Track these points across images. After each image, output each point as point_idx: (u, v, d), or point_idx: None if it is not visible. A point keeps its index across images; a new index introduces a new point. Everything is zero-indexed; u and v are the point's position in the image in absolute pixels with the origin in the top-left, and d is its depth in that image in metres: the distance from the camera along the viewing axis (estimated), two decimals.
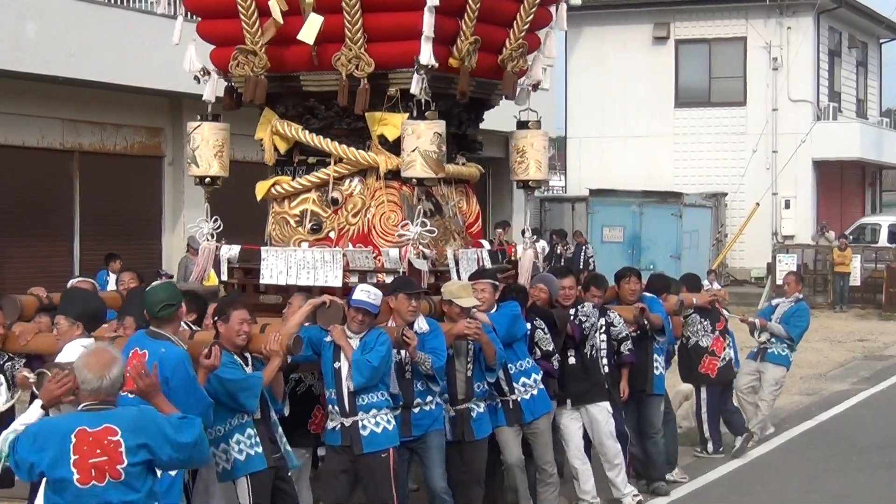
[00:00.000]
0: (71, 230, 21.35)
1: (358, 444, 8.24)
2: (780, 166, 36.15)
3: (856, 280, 31.75)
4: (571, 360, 10.33)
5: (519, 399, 9.58)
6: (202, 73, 10.05)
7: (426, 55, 9.05)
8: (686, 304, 12.17)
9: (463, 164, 10.39)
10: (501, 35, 10.05)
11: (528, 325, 9.80)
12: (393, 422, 8.36)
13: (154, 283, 7.84)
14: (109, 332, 7.95)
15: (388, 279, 9.13)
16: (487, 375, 9.23)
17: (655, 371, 11.28)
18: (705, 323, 12.40)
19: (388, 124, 9.44)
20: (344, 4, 9.12)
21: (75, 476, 5.71)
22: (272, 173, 10.06)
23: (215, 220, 9.94)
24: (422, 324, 8.68)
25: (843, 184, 41.21)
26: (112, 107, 21.63)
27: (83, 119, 21.36)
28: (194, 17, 10.94)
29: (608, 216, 32.43)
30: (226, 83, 10.07)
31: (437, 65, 9.20)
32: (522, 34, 10.19)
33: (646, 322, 11.02)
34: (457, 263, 9.70)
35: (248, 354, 7.97)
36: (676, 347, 12.43)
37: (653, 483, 11.24)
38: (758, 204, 34.27)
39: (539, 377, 9.69)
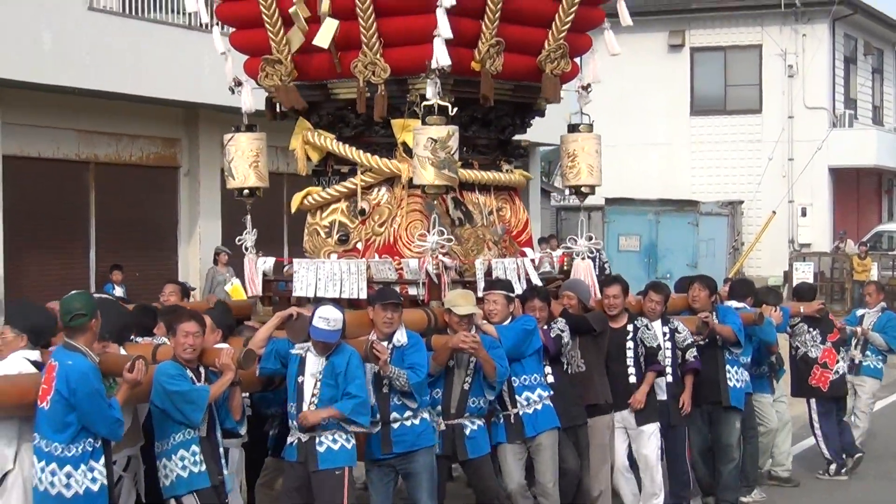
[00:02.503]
0: (87, 241, 21.31)
1: (314, 460, 7.98)
2: (797, 174, 36.03)
3: None
4: (632, 379, 10.02)
5: (521, 413, 9.13)
6: (236, 83, 10.00)
7: (441, 57, 8.91)
8: (792, 312, 11.94)
9: (507, 170, 10.19)
10: (540, 36, 9.88)
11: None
12: (352, 441, 8.08)
13: (71, 293, 7.57)
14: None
15: (411, 290, 9.02)
16: (487, 392, 8.87)
17: (730, 383, 10.72)
18: (814, 332, 12.13)
19: (410, 131, 9.27)
20: (357, 9, 9.07)
21: None
22: (311, 184, 10.00)
23: (254, 231, 9.96)
24: (401, 337, 8.44)
25: (859, 191, 41.10)
26: (128, 117, 21.62)
27: (99, 130, 21.34)
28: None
29: (624, 225, 32.36)
30: (266, 94, 10.01)
31: (449, 67, 9.01)
32: (563, 35, 9.99)
33: (709, 334, 10.55)
34: (489, 273, 9.48)
35: (202, 369, 7.79)
36: (788, 359, 12.14)
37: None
38: (774, 212, 34.20)
39: (546, 394, 9.23)
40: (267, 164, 10.09)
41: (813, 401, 12.14)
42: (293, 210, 10.07)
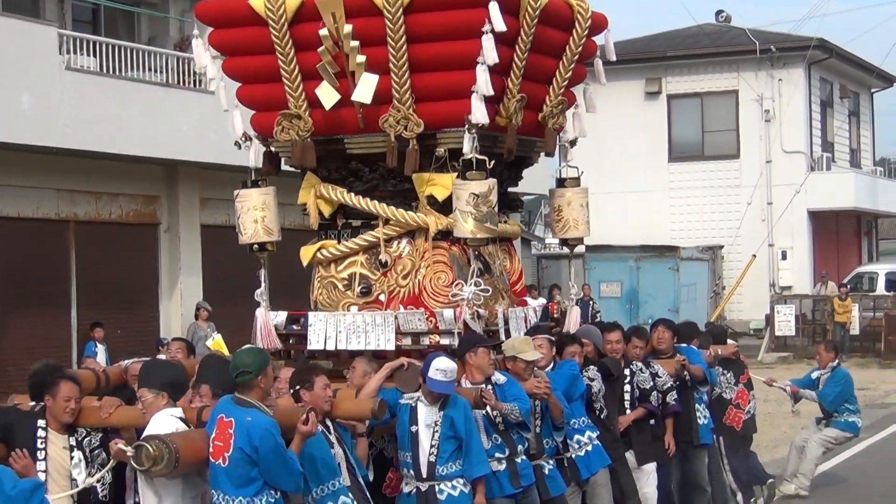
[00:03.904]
0: (68, 300, 21.28)
1: None
2: (776, 217, 36.21)
3: (855, 329, 31.81)
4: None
5: (573, 456, 9.48)
6: (244, 138, 9.86)
7: (479, 113, 8.88)
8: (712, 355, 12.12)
9: (505, 221, 10.24)
10: (542, 92, 9.93)
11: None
12: (469, 486, 8.19)
13: (243, 348, 7.61)
14: (186, 402, 7.73)
15: (444, 340, 9.00)
16: (555, 434, 9.19)
17: (700, 420, 11.21)
18: (728, 375, 12.33)
19: (437, 184, 9.26)
20: (391, 66, 8.99)
21: None
22: (316, 238, 9.86)
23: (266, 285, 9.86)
24: (498, 376, 8.65)
25: (839, 233, 41.28)
26: (107, 176, 21.66)
27: (78, 189, 21.38)
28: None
29: (605, 272, 32.46)
30: (264, 148, 9.88)
31: (488, 123, 9.04)
32: (562, 91, 10.08)
33: (686, 374, 11.01)
34: (506, 322, 9.56)
35: (329, 422, 7.80)
36: None
37: None
38: (754, 256, 34.34)
39: (595, 434, 9.62)
40: (277, 218, 9.90)
41: (721, 438, 12.31)
42: (305, 264, 9.88)
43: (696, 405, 11.22)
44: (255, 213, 9.73)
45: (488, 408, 8.47)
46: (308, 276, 10.07)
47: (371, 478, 8.28)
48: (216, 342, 12.73)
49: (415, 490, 8.17)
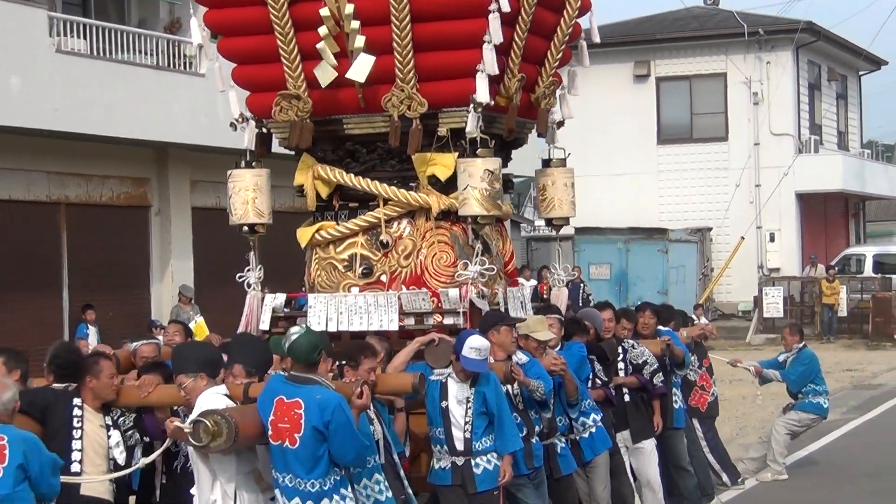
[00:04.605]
0: (60, 282, 21.24)
1: (472, 482, 8.16)
2: (764, 200, 36.32)
3: (842, 311, 31.89)
4: (627, 398, 10.59)
5: (578, 438, 9.59)
6: (240, 119, 9.81)
7: (483, 93, 8.89)
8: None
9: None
10: (535, 73, 9.94)
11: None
12: (499, 462, 8.27)
13: (300, 329, 7.52)
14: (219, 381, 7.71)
15: (447, 320, 9.03)
16: (569, 411, 9.33)
17: (675, 405, 11.36)
18: (692, 358, 12.40)
19: (439, 164, 9.30)
20: (395, 45, 9.00)
21: None
22: (312, 219, 9.86)
23: (260, 269, 9.82)
24: (520, 355, 8.73)
25: (826, 215, 41.39)
26: (97, 159, 21.62)
27: (69, 171, 21.32)
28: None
29: (594, 254, 32.53)
30: (256, 130, 9.85)
31: (492, 102, 9.05)
32: (553, 71, 10.12)
33: (667, 356, 11.12)
34: (505, 302, 9.62)
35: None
36: None
37: None
38: (743, 238, 34.44)
39: (599, 417, 9.74)
40: (269, 200, 9.88)
41: (696, 422, 12.46)
42: (303, 245, 9.86)
43: (675, 389, 11.39)
44: (247, 195, 9.72)
45: (509, 386, 8.52)
46: (300, 258, 10.08)
47: (407, 453, 8.33)
48: (199, 325, 12.76)
49: (450, 465, 8.21)
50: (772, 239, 37.23)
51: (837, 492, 13.00)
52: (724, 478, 12.70)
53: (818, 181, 37.67)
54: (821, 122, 40.47)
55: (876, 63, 44.76)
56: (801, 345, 13.87)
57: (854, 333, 31.60)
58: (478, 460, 8.16)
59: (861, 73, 45.07)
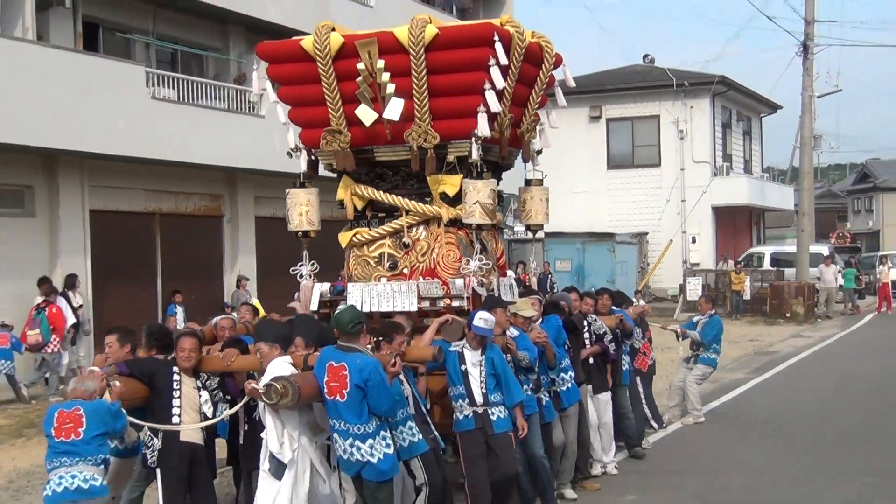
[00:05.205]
0: (154, 274, 21.28)
1: (490, 426, 8.13)
2: (688, 211, 36.35)
3: (747, 295, 31.92)
4: (591, 361, 10.53)
5: (559, 390, 9.53)
6: (295, 149, 9.72)
7: (484, 127, 8.88)
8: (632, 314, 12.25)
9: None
10: (520, 113, 9.89)
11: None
12: (506, 412, 8.24)
13: (341, 307, 7.55)
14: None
15: (455, 303, 9.00)
16: (551, 373, 9.29)
17: (623, 367, 11.42)
18: (638, 331, 12.42)
19: (448, 184, 9.23)
20: (414, 92, 8.94)
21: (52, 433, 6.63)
22: (350, 226, 9.78)
23: (313, 264, 9.73)
24: (512, 330, 8.71)
25: (735, 223, 41.43)
26: (183, 179, 21.66)
27: (162, 189, 21.35)
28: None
29: (559, 252, 32.54)
30: (307, 157, 9.75)
31: (489, 136, 9.02)
32: (534, 112, 10.06)
33: (619, 329, 11.16)
34: (498, 289, 9.61)
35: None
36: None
37: (632, 450, 11.39)
38: (671, 240, 34.45)
39: (571, 375, 9.65)
40: (318, 212, 9.83)
41: (638, 380, 12.44)
42: (343, 246, 9.79)
43: (624, 354, 11.42)
44: (301, 208, 9.71)
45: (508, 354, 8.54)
46: (340, 255, 10.01)
47: (428, 407, 8.27)
48: (255, 304, 12.78)
49: (472, 413, 8.17)
50: (693, 241, 37.29)
51: (744, 434, 13.01)
52: (654, 424, 12.72)
53: (729, 197, 37.76)
54: (731, 153, 40.51)
55: (773, 107, 44.81)
56: (712, 311, 13.98)
57: (756, 313, 31.62)
58: (493, 409, 8.14)
59: (762, 115, 45.13)
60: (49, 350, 16.60)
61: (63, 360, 16.99)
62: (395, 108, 8.99)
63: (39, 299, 16.87)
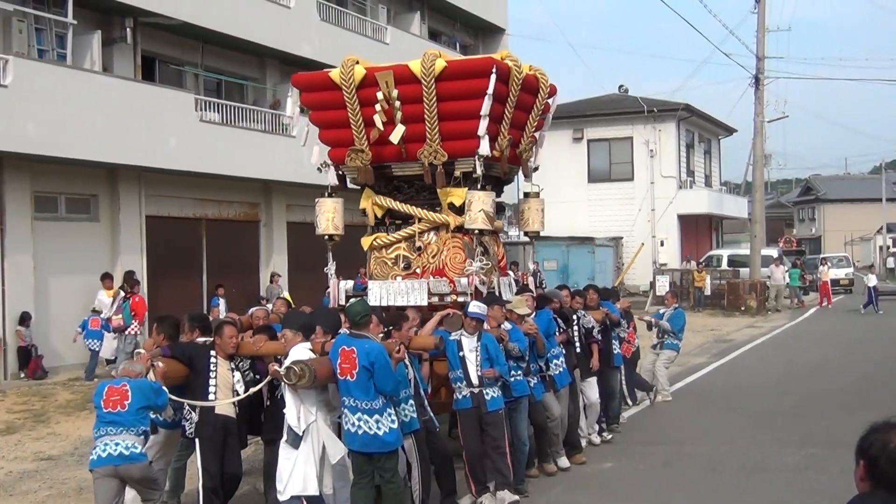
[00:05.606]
0: (201, 272, 21.32)
1: (484, 405, 8.07)
2: (657, 219, 36.33)
3: (707, 291, 31.88)
4: (578, 349, 10.39)
5: (552, 374, 9.43)
6: (324, 165, 9.69)
7: (485, 148, 8.86)
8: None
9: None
10: (518, 135, 9.85)
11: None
12: (499, 392, 8.18)
13: (352, 301, 7.46)
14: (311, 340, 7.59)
15: (460, 299, 8.95)
16: (539, 361, 9.19)
17: (615, 351, 11.30)
18: (624, 322, 12.27)
19: (455, 195, 9.20)
20: (426, 116, 8.93)
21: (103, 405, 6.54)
22: (371, 231, 9.73)
23: (335, 263, 9.71)
24: (506, 324, 8.64)
25: (697, 229, 41.38)
26: (226, 189, 21.69)
27: (207, 198, 21.38)
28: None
29: (547, 254, 32.45)
30: (336, 172, 9.73)
31: (490, 154, 8.99)
32: (531, 134, 10.01)
33: (608, 321, 11.04)
34: (499, 287, 9.57)
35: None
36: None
37: (611, 425, 11.29)
38: (643, 244, 34.50)
39: (562, 360, 9.52)
40: (343, 218, 9.79)
41: (622, 366, 12.32)
42: (365, 249, 9.72)
43: (615, 341, 11.32)
44: (328, 215, 9.70)
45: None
46: (362, 257, 9.98)
47: (429, 390, 8.19)
48: (287, 296, 12.75)
49: (469, 394, 8.10)
50: (661, 244, 37.24)
51: (707, 408, 12.99)
52: (628, 399, 12.68)
53: (692, 207, 37.73)
54: (694, 169, 40.46)
55: (729, 130, 44.73)
56: (676, 304, 14.00)
57: (715, 307, 31.58)
58: (487, 390, 8.07)
59: (720, 136, 45.05)
60: (129, 332, 16.66)
61: (140, 342, 17.02)
62: (398, 133, 9.00)
63: (122, 293, 16.89)
